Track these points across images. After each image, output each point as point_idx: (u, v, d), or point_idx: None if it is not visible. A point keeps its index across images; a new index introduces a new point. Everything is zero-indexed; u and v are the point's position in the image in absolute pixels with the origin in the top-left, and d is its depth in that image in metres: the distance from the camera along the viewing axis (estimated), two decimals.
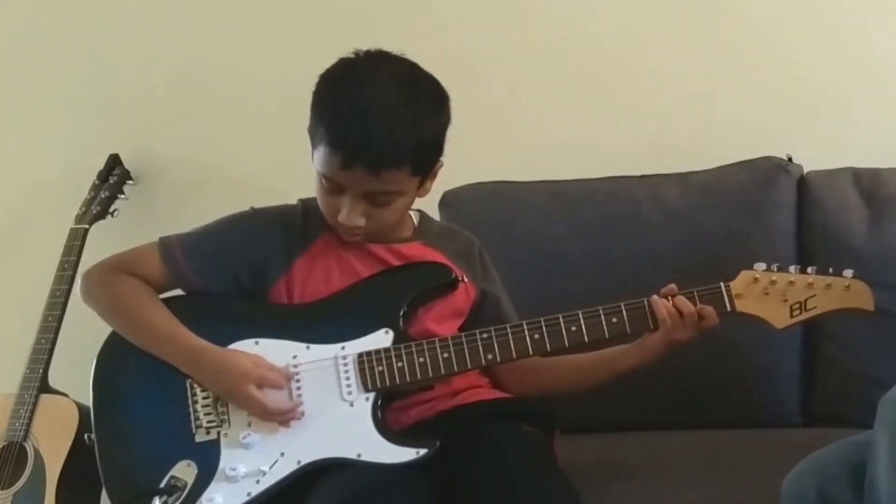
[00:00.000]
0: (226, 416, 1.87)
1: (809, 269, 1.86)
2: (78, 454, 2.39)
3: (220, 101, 2.80)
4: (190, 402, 1.88)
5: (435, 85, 1.87)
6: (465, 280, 1.95)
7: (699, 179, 2.40)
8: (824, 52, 2.52)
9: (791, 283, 1.85)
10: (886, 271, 2.23)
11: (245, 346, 1.89)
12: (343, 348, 1.87)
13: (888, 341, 2.24)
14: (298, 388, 1.87)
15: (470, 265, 2.01)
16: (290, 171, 2.70)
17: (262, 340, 1.90)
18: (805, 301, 1.85)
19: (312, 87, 1.89)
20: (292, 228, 1.96)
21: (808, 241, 2.32)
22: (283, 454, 1.84)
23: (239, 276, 1.95)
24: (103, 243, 2.72)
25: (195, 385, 1.88)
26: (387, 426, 1.85)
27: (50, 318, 2.55)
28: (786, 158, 2.38)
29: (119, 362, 1.94)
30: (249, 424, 1.86)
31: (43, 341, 2.53)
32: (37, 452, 2.45)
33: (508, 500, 1.73)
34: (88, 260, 2.63)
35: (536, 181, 2.48)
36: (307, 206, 1.99)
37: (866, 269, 2.24)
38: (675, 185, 2.41)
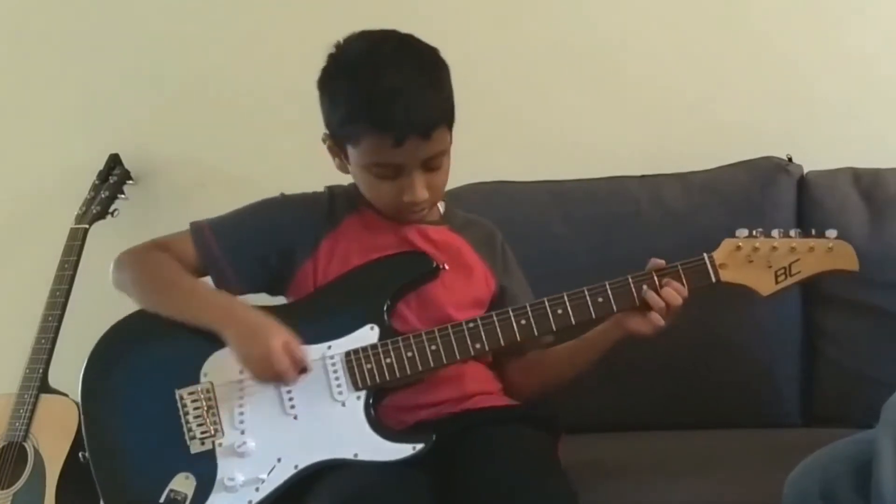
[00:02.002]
0: (218, 426, 1.86)
1: (792, 232, 1.85)
2: (78, 454, 2.39)
3: (220, 101, 2.80)
4: (181, 412, 1.87)
5: (422, 41, 1.91)
6: (446, 267, 1.93)
7: (699, 179, 2.40)
8: (824, 52, 2.51)
9: (774, 248, 1.85)
10: (886, 271, 2.24)
11: (230, 352, 1.87)
12: (329, 347, 1.86)
13: (888, 341, 2.24)
14: (289, 392, 1.86)
15: (491, 256, 2.03)
16: (291, 170, 2.70)
17: None
18: (790, 266, 1.85)
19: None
20: (319, 211, 1.98)
21: None
22: (279, 460, 1.83)
23: (267, 259, 1.96)
24: (103, 243, 2.72)
25: (184, 396, 1.87)
26: (381, 423, 1.85)
27: (50, 318, 2.55)
28: (786, 158, 2.38)
29: (104, 379, 1.92)
30: (243, 432, 1.85)
31: (43, 341, 2.53)
32: (37, 452, 2.45)
33: (507, 500, 1.73)
34: (88, 260, 2.64)
35: (536, 181, 2.48)
36: (333, 191, 2.01)
37: (866, 269, 2.25)
38: (675, 185, 2.41)
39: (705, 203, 2.37)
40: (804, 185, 2.36)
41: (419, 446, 1.81)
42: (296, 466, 1.83)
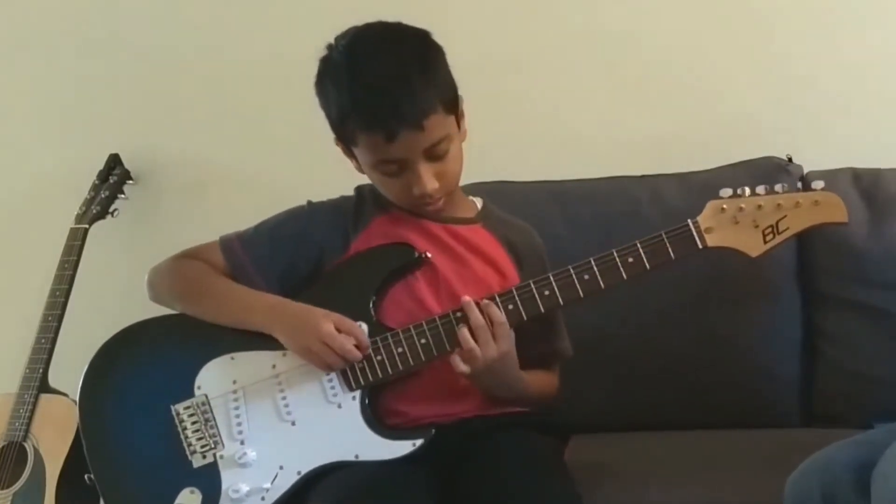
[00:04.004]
0: (217, 438, 1.86)
1: (778, 187, 1.81)
2: (78, 454, 2.39)
3: (221, 101, 2.80)
4: (179, 428, 1.87)
5: (409, 27, 1.87)
6: (429, 255, 1.90)
7: (699, 179, 2.40)
8: (825, 52, 2.51)
9: (759, 206, 1.80)
10: (886, 271, 2.24)
11: (221, 363, 1.88)
12: None
13: (888, 341, 2.24)
14: (284, 398, 1.86)
15: (529, 269, 1.95)
16: (291, 169, 2.72)
17: (237, 355, 1.88)
18: (777, 223, 1.80)
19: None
20: (346, 215, 1.96)
21: (808, 242, 2.31)
22: (282, 467, 1.83)
23: (296, 267, 1.93)
24: (103, 243, 2.72)
25: (180, 411, 1.87)
26: (380, 422, 1.84)
27: (50, 318, 2.55)
28: (786, 158, 2.38)
29: (100, 403, 1.93)
30: (242, 443, 1.85)
31: (43, 341, 2.53)
32: (36, 452, 2.45)
33: (512, 500, 1.73)
34: (88, 260, 2.64)
35: (536, 181, 2.48)
36: (361, 191, 1.99)
37: (866, 269, 2.25)
38: (675, 185, 2.40)
39: (705, 203, 2.36)
40: (804, 186, 2.35)
41: (419, 442, 1.80)
42: (299, 472, 1.82)
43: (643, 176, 2.44)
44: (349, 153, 1.90)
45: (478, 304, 1.81)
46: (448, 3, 2.63)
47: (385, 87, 1.78)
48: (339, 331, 1.81)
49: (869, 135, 2.48)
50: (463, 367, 1.80)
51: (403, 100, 1.77)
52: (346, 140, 1.87)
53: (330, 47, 1.87)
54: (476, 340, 1.79)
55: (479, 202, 2.02)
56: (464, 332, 1.80)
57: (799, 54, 2.53)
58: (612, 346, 2.33)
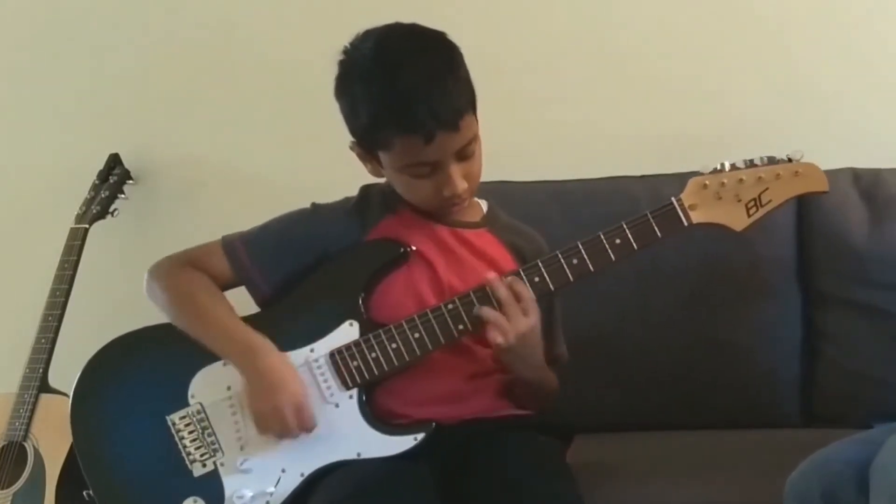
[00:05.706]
0: (216, 445, 1.86)
1: (757, 160, 1.82)
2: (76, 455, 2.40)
3: (221, 101, 2.80)
4: (176, 438, 1.87)
5: (427, 28, 1.87)
6: (414, 249, 1.90)
7: None
8: (825, 52, 2.51)
9: (741, 180, 1.81)
10: (886, 271, 2.24)
11: (213, 369, 1.87)
12: (312, 350, 1.85)
13: (888, 341, 2.24)
14: None
15: None
16: (291, 169, 2.72)
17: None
18: (759, 196, 1.81)
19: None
20: (353, 217, 1.95)
21: (808, 241, 2.32)
22: (284, 470, 1.83)
23: (299, 270, 1.92)
24: (103, 243, 2.72)
25: (176, 421, 1.86)
26: (380, 418, 1.84)
27: (50, 318, 2.55)
28: (786, 158, 2.37)
29: (94, 418, 1.93)
30: (242, 448, 1.85)
31: (43, 341, 2.53)
32: (36, 452, 2.45)
33: (514, 499, 1.73)
34: (88, 260, 2.64)
35: (537, 181, 2.48)
36: (369, 191, 1.97)
37: (866, 269, 2.25)
38: (675, 185, 2.38)
39: None
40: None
41: (420, 436, 1.81)
42: (301, 474, 1.83)
43: (643, 176, 2.44)
44: (370, 157, 1.88)
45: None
46: (447, 3, 2.63)
47: (423, 88, 1.78)
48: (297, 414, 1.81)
49: (869, 135, 2.48)
50: (500, 340, 1.79)
51: (441, 101, 1.77)
52: (374, 144, 1.85)
53: (348, 51, 1.85)
54: (506, 315, 1.79)
55: (484, 204, 2.02)
56: (485, 309, 1.80)
57: (799, 55, 2.53)
58: (612, 346, 2.33)
